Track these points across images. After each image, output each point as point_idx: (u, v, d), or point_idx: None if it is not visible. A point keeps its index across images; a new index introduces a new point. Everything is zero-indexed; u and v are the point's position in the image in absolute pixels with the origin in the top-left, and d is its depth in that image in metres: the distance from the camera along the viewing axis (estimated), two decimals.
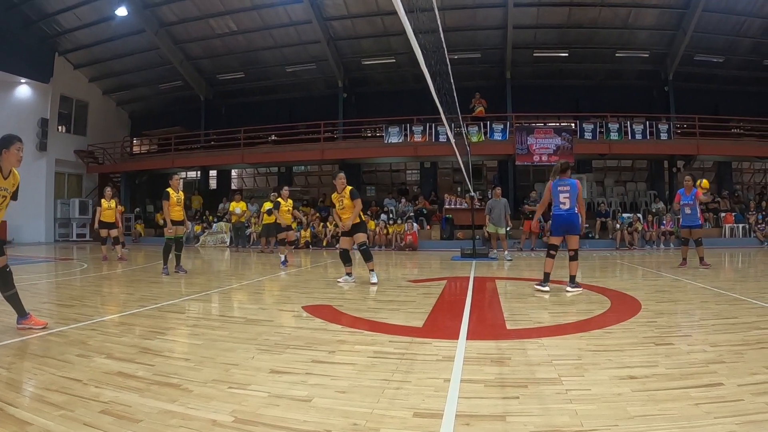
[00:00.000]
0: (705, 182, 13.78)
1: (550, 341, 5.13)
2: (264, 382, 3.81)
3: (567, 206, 8.78)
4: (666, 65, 27.64)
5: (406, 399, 3.43)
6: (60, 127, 30.78)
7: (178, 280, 10.95)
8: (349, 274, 10.26)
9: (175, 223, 12.09)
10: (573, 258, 8.75)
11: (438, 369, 4.15)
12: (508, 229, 17.02)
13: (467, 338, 5.20)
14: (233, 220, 23.71)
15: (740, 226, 23.17)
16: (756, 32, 25.54)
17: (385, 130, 26.48)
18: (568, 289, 8.53)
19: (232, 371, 4.11)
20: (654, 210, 23.87)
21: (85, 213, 29.66)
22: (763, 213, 23.47)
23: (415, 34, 5.95)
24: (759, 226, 22.79)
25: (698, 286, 9.18)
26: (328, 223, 23.88)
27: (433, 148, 25.52)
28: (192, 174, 34.26)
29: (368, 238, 11.28)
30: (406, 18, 5.25)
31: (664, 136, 25.06)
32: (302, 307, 7.23)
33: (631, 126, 25.16)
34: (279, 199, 14.70)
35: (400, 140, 26.08)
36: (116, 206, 16.82)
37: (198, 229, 26.55)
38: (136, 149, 35.61)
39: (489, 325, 6.28)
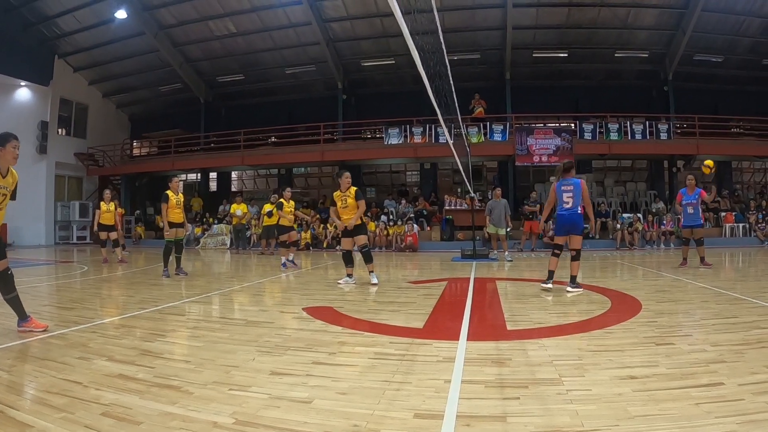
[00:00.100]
0: (710, 162, 13.74)
1: (551, 342, 5.13)
2: (264, 384, 3.80)
3: (570, 205, 8.82)
4: (665, 65, 27.65)
5: (407, 400, 3.43)
6: (60, 130, 30.80)
7: (179, 282, 10.95)
8: (349, 275, 10.27)
9: (174, 225, 12.08)
10: (574, 258, 8.76)
11: (438, 370, 4.15)
12: (508, 229, 17.02)
13: (468, 339, 5.19)
14: (234, 222, 23.72)
15: (740, 225, 23.18)
16: (755, 32, 25.55)
17: (384, 132, 26.51)
18: (569, 289, 8.54)
19: (233, 373, 4.11)
20: (654, 210, 23.88)
21: (86, 215, 29.63)
22: (764, 212, 23.48)
23: (412, 36, 5.95)
24: (759, 225, 22.80)
25: (699, 286, 9.18)
26: (328, 225, 23.87)
27: (433, 149, 25.53)
28: (192, 176, 34.26)
29: (368, 239, 11.24)
30: (402, 20, 5.25)
31: (663, 136, 25.08)
32: (303, 309, 7.23)
33: (630, 126, 25.18)
34: (282, 200, 14.67)
35: (400, 141, 26.10)
36: (116, 209, 16.81)
37: (198, 231, 26.55)
38: (136, 152, 35.59)
39: (489, 325, 6.28)
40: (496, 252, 17.10)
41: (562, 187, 8.94)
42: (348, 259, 10.37)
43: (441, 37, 12.74)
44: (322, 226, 24.24)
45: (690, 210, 12.88)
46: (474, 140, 24.93)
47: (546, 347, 4.88)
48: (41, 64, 28.33)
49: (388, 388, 3.67)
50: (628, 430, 2.89)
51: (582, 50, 27.71)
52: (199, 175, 33.09)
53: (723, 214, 23.60)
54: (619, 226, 22.16)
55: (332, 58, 28.64)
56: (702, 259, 12.63)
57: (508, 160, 26.48)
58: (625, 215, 23.22)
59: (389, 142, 26.24)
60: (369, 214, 23.61)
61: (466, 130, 24.41)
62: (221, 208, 28.49)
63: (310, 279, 11.79)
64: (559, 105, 28.19)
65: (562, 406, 3.28)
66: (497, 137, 25.57)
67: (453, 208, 24.07)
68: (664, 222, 22.56)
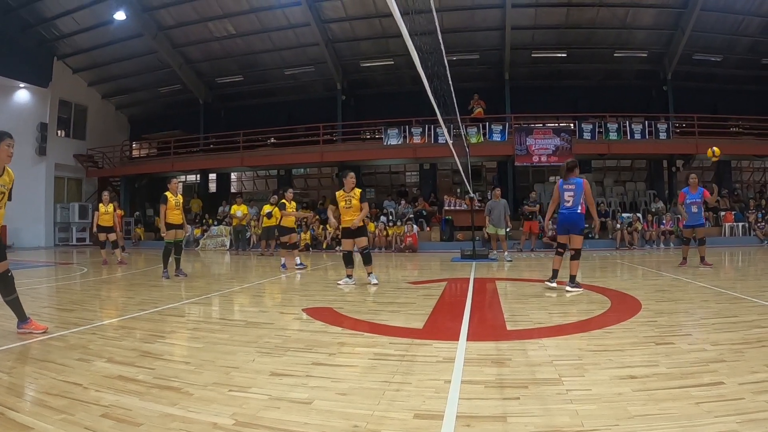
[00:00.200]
0: (716, 149, 13.73)
1: (551, 341, 5.13)
2: (264, 385, 3.81)
3: (570, 204, 8.90)
4: (664, 65, 27.66)
5: (407, 400, 3.43)
6: (59, 132, 30.79)
7: (178, 283, 10.95)
8: (349, 276, 10.26)
9: (173, 226, 12.07)
10: (574, 257, 8.80)
11: (438, 370, 4.15)
12: (507, 230, 17.02)
13: (467, 339, 5.19)
14: (234, 223, 23.71)
15: (740, 224, 23.20)
16: (754, 31, 25.57)
17: (384, 132, 26.50)
18: (568, 288, 8.58)
19: (233, 374, 4.11)
20: (653, 209, 23.89)
21: (85, 217, 29.61)
22: (763, 211, 23.50)
23: (411, 36, 5.95)
24: (759, 224, 22.81)
25: (698, 285, 9.19)
26: (327, 226, 23.87)
27: (433, 149, 25.53)
28: (192, 177, 34.23)
29: (368, 240, 11.24)
30: (401, 20, 5.25)
31: (663, 135, 25.07)
32: (302, 310, 7.23)
33: (630, 126, 25.17)
34: (284, 201, 14.64)
35: (399, 142, 26.10)
36: (114, 210, 16.77)
37: (198, 232, 26.54)
38: (135, 153, 35.51)
39: (489, 326, 6.28)
40: (495, 252, 17.10)
41: (564, 186, 9.02)
42: (348, 260, 10.37)
43: (440, 38, 12.74)
44: (321, 227, 24.23)
45: (694, 209, 12.83)
46: (473, 140, 24.94)
47: (546, 347, 4.89)
48: (40, 65, 28.32)
49: (388, 389, 3.67)
50: (628, 429, 2.90)
51: (581, 50, 27.72)
52: (198, 176, 33.07)
53: (722, 213, 23.60)
54: (618, 225, 22.17)
55: (331, 58, 28.64)
56: (702, 259, 12.64)
57: (508, 160, 26.48)
58: (625, 215, 23.23)
59: (388, 143, 26.24)
60: (369, 215, 23.58)
61: (466, 130, 24.41)
62: (221, 209, 28.50)
63: (310, 280, 11.79)
64: (558, 105, 28.14)
65: (562, 406, 3.28)
66: (496, 137, 25.56)
67: (452, 208, 24.05)
68: (664, 222, 22.57)
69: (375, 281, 10.07)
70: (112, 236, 16.42)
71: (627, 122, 25.30)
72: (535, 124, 26.58)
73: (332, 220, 10.62)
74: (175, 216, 12.15)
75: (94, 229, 16.83)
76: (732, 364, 4.08)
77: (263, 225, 19.87)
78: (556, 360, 4.39)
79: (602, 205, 24.47)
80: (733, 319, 6.01)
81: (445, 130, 11.84)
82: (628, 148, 25.73)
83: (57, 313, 7.24)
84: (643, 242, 22.19)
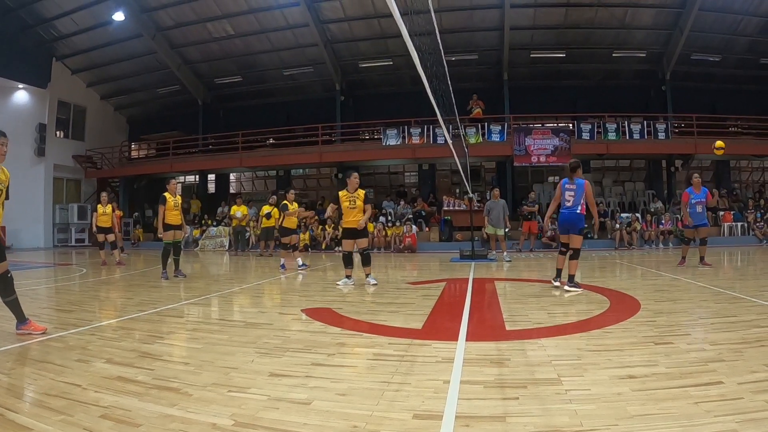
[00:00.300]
0: (721, 143, 13.72)
1: (550, 342, 5.14)
2: (263, 386, 3.81)
3: (570, 204, 9.01)
4: (663, 65, 27.65)
5: (406, 401, 3.44)
6: (58, 133, 30.76)
7: (178, 284, 10.95)
8: (348, 276, 10.26)
9: (170, 227, 12.08)
10: (572, 257, 8.88)
11: (437, 370, 4.16)
12: (506, 230, 17.02)
13: (467, 339, 5.20)
14: (234, 224, 23.70)
15: (739, 224, 23.20)
16: (752, 31, 25.58)
17: (383, 133, 26.46)
18: (567, 288, 8.63)
19: (232, 375, 4.11)
20: (652, 209, 23.90)
21: (84, 218, 29.58)
22: (762, 211, 23.51)
23: (411, 37, 5.95)
24: (757, 224, 22.82)
25: (697, 285, 9.20)
26: (326, 226, 23.87)
27: (431, 149, 25.52)
28: (190, 178, 34.20)
29: (368, 241, 11.23)
30: (401, 20, 5.25)
31: (661, 135, 25.06)
32: (302, 310, 7.24)
33: (628, 126, 25.15)
34: (285, 202, 14.60)
35: (398, 142, 26.07)
36: (113, 211, 16.74)
37: (197, 233, 26.52)
38: (134, 154, 35.42)
39: (488, 326, 6.28)
40: (494, 252, 17.10)
41: (567, 186, 9.13)
42: (348, 260, 10.36)
43: (438, 38, 12.75)
44: (320, 227, 24.23)
45: (699, 209, 12.78)
46: (472, 141, 24.93)
47: (545, 347, 4.89)
48: (39, 66, 28.32)
49: (388, 389, 3.68)
50: (627, 429, 2.90)
51: (580, 50, 27.72)
52: (197, 177, 33.01)
53: (721, 213, 23.60)
54: (617, 225, 22.16)
55: (330, 59, 28.62)
56: (702, 259, 12.64)
57: (507, 160, 26.46)
58: (624, 215, 23.24)
59: (387, 143, 26.21)
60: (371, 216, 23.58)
61: (464, 130, 24.41)
62: (219, 209, 28.48)
63: (309, 280, 11.79)
64: (557, 105, 28.12)
65: (561, 406, 3.28)
66: (495, 138, 25.54)
67: (451, 208, 24.02)
68: (663, 221, 22.58)
69: (374, 282, 10.07)
70: (111, 237, 16.39)
71: (626, 122, 25.28)
72: (533, 124, 26.57)
73: (330, 212, 10.58)
74: (174, 217, 12.16)
75: (94, 229, 16.80)
76: (731, 363, 4.09)
77: (262, 225, 19.86)
78: (555, 360, 4.40)
79: (601, 205, 24.45)
80: (732, 318, 6.02)
81: (445, 131, 11.85)
82: (627, 148, 25.72)
83: (56, 314, 7.24)
84: (642, 242, 22.19)
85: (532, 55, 28.44)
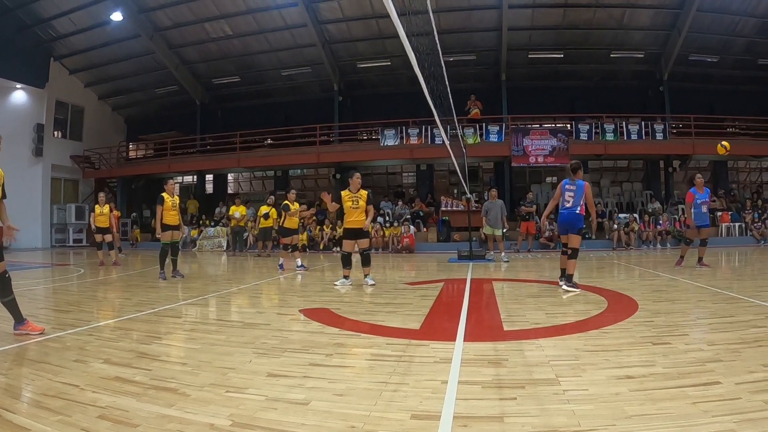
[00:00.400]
0: (726, 143, 13.78)
1: (547, 342, 5.14)
2: (261, 386, 3.81)
3: (570, 205, 9.12)
4: (661, 65, 27.66)
5: (404, 401, 3.44)
6: (56, 133, 30.67)
7: (175, 284, 10.94)
8: (346, 277, 10.25)
9: (168, 227, 12.07)
10: (570, 256, 8.95)
11: (435, 371, 4.16)
12: (504, 230, 17.02)
13: (464, 340, 5.20)
14: (233, 224, 23.66)
15: (736, 225, 23.21)
16: (750, 32, 25.60)
17: (380, 133, 26.45)
18: (565, 287, 8.74)
19: (230, 375, 4.11)
20: (650, 210, 23.90)
21: (82, 218, 29.50)
22: (759, 212, 23.52)
23: (408, 37, 5.95)
24: (755, 224, 22.84)
25: (695, 286, 9.21)
26: (324, 227, 23.87)
27: (429, 150, 25.52)
28: (188, 178, 34.20)
29: (369, 242, 11.21)
30: (398, 20, 5.25)
31: (659, 136, 25.08)
32: (299, 311, 7.24)
33: (626, 126, 25.16)
34: (287, 202, 14.56)
35: (396, 143, 26.06)
36: (111, 211, 16.71)
37: (194, 233, 26.50)
38: (132, 154, 35.36)
39: (486, 326, 6.29)
40: (492, 253, 17.13)
41: (567, 186, 9.22)
42: (347, 261, 10.35)
43: (437, 39, 12.75)
44: (318, 227, 24.22)
45: (704, 209, 12.78)
46: (470, 141, 24.93)
47: (543, 347, 4.90)
48: (37, 66, 28.26)
49: (385, 390, 3.68)
50: (625, 429, 2.90)
51: (577, 51, 27.73)
52: (195, 177, 33.02)
53: (719, 213, 23.61)
54: (615, 226, 22.16)
55: (328, 59, 28.60)
56: (700, 260, 12.63)
57: (504, 161, 26.43)
58: (622, 215, 23.23)
59: (385, 144, 26.20)
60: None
61: (462, 131, 24.42)
62: (217, 210, 28.45)
63: (307, 281, 11.79)
64: (555, 106, 28.14)
65: (559, 406, 3.28)
66: (493, 138, 25.55)
67: (449, 209, 24.05)
68: (660, 222, 22.59)
69: (372, 282, 10.07)
70: (108, 237, 16.37)
71: (624, 123, 25.28)
72: (531, 124, 26.55)
73: (329, 204, 10.56)
74: (172, 217, 12.15)
75: (93, 228, 16.74)
76: (729, 363, 4.09)
77: (260, 226, 19.83)
78: (553, 360, 4.40)
79: (599, 205, 24.48)
80: (729, 319, 6.03)
81: (442, 131, 11.87)
82: (625, 149, 25.73)
83: (54, 314, 7.24)
84: (639, 242, 22.19)
85: (530, 56, 28.44)
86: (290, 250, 14.68)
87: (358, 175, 10.50)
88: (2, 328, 5.76)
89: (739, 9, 24.38)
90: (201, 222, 27.75)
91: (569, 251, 9.06)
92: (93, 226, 16.56)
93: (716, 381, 3.64)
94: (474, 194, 23.29)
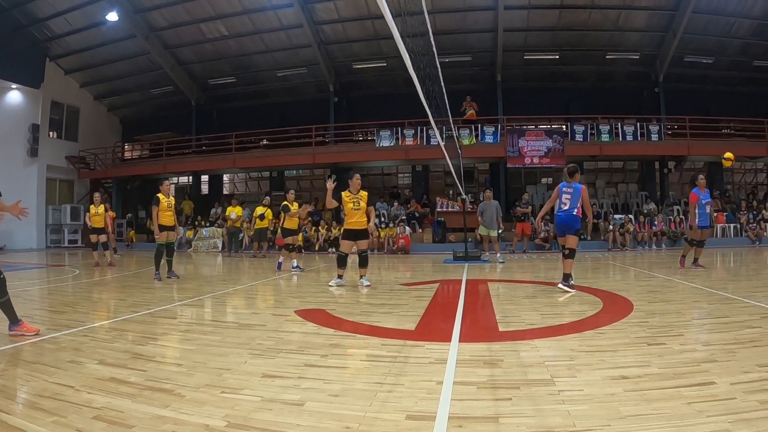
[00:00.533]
0: (729, 154, 13.86)
1: (543, 343, 5.15)
2: (256, 387, 3.80)
3: (567, 207, 9.22)
4: (656, 67, 27.72)
5: (399, 402, 3.44)
6: (51, 133, 30.61)
7: (171, 285, 10.93)
8: (340, 276, 10.25)
9: (164, 228, 12.05)
10: (567, 256, 9.06)
11: (430, 371, 4.15)
12: (499, 231, 17.04)
13: (460, 340, 5.20)
14: (228, 225, 23.61)
15: (732, 225, 23.29)
16: (745, 33, 25.69)
17: (376, 134, 26.46)
18: (560, 285, 8.84)
19: (225, 376, 4.11)
20: (645, 211, 23.93)
21: (77, 219, 29.44)
22: (754, 213, 23.58)
23: (403, 38, 5.95)
24: (750, 225, 22.90)
25: (690, 286, 9.22)
26: (320, 228, 23.86)
27: (425, 151, 25.53)
28: (184, 179, 34.17)
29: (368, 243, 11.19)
30: (392, 22, 5.25)
31: (654, 137, 25.13)
32: (295, 312, 7.22)
33: (622, 127, 25.21)
34: (286, 203, 14.53)
35: (392, 144, 26.07)
36: (106, 212, 16.67)
37: (190, 234, 26.45)
38: (127, 155, 35.35)
39: (481, 327, 6.29)
40: (487, 254, 17.14)
41: (564, 189, 9.32)
42: (343, 261, 10.36)
43: (432, 40, 12.75)
44: (314, 228, 24.20)
45: (708, 209, 12.81)
46: (465, 142, 24.94)
47: (538, 348, 4.90)
48: (32, 66, 28.19)
49: (380, 390, 3.68)
50: (620, 429, 2.90)
51: (573, 52, 27.79)
52: (190, 178, 33.01)
53: (714, 214, 23.65)
54: (610, 227, 22.19)
55: (324, 60, 28.62)
56: (696, 260, 12.65)
57: (500, 162, 26.47)
58: (617, 216, 23.27)
59: (381, 145, 26.21)
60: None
61: (458, 132, 24.43)
62: (213, 210, 28.42)
63: (302, 282, 11.79)
64: (551, 107, 28.19)
65: (554, 407, 3.29)
66: (488, 139, 25.58)
67: (445, 210, 24.07)
68: (656, 223, 22.63)
69: (367, 283, 10.06)
70: (103, 238, 16.34)
71: (619, 124, 25.34)
72: (527, 125, 26.53)
73: (329, 194, 10.52)
74: (168, 218, 12.14)
75: (89, 225, 16.67)
76: (724, 364, 4.10)
77: (255, 227, 19.80)
78: (548, 361, 4.41)
79: (594, 206, 24.49)
80: (724, 319, 6.04)
81: (437, 132, 11.85)
82: (620, 150, 25.79)
83: (49, 315, 7.22)
84: (635, 243, 22.23)
85: (525, 57, 28.50)
86: (291, 250, 14.67)
87: (358, 176, 10.51)
88: None
89: (734, 11, 24.45)
90: (196, 223, 27.71)
91: (566, 251, 9.16)
92: (89, 226, 16.55)
93: (711, 381, 3.65)
94: (469, 195, 23.30)
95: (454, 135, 21.74)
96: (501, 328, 5.92)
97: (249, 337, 5.57)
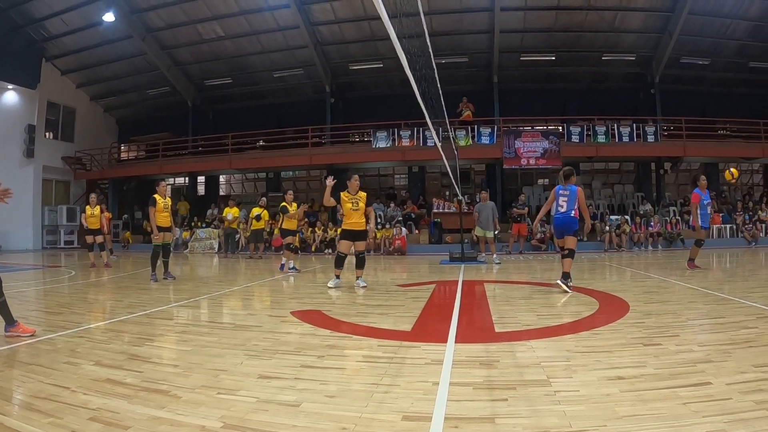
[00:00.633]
0: (734, 170, 13.95)
1: (539, 343, 5.15)
2: (253, 388, 3.80)
3: (564, 209, 9.36)
4: (652, 68, 27.73)
5: (395, 402, 3.44)
6: (47, 134, 30.57)
7: (167, 286, 10.92)
8: (338, 276, 10.24)
9: (161, 229, 12.04)
10: (567, 256, 9.22)
11: (427, 372, 4.16)
12: (496, 232, 17.05)
13: (456, 341, 5.20)
14: (225, 225, 23.59)
15: (727, 226, 23.34)
16: (741, 34, 25.73)
17: (372, 135, 26.43)
18: (559, 281, 8.97)
19: (221, 377, 4.10)
20: (641, 212, 23.97)
21: (73, 220, 29.44)
22: (750, 213, 23.64)
23: (400, 39, 5.95)
24: (746, 226, 22.96)
25: (686, 287, 9.24)
26: (316, 229, 23.85)
27: (421, 152, 25.51)
28: (180, 180, 34.10)
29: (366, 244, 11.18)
30: (389, 23, 5.25)
31: (650, 138, 25.15)
32: (291, 313, 7.22)
33: (618, 128, 25.23)
34: (284, 204, 14.51)
35: (388, 145, 26.05)
36: (102, 213, 16.65)
37: (186, 235, 26.42)
38: (123, 155, 35.23)
39: (478, 328, 6.29)
40: (484, 255, 17.15)
41: (560, 192, 9.47)
42: (341, 262, 10.35)
43: (428, 41, 12.75)
44: (310, 229, 24.19)
45: (709, 210, 12.86)
46: (462, 143, 24.96)
47: (534, 349, 4.90)
48: (28, 67, 28.16)
49: (377, 391, 3.68)
50: (616, 430, 2.91)
51: (569, 53, 27.79)
52: (187, 179, 32.95)
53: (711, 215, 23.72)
54: (607, 228, 22.22)
55: (320, 61, 28.58)
56: (692, 261, 12.66)
57: (496, 163, 26.47)
58: (613, 217, 23.30)
59: (377, 146, 26.18)
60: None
61: (454, 133, 24.44)
62: (209, 211, 28.38)
63: (299, 283, 11.78)
64: (547, 108, 28.23)
65: (550, 407, 3.29)
66: (485, 140, 25.59)
67: (441, 211, 24.05)
68: (652, 224, 22.66)
69: (363, 284, 10.07)
70: (100, 238, 16.32)
71: (615, 125, 25.36)
72: (523, 127, 26.53)
73: (328, 187, 10.50)
74: (164, 218, 12.13)
75: (85, 228, 16.64)
76: (719, 364, 4.11)
77: (252, 228, 19.78)
78: (544, 361, 4.41)
79: (591, 207, 24.47)
80: (720, 320, 6.06)
81: (434, 133, 11.88)
82: (616, 151, 25.83)
83: (45, 316, 7.21)
84: (631, 244, 22.26)
85: (522, 58, 28.47)
86: (291, 250, 14.67)
87: (356, 177, 10.54)
88: None
89: (730, 12, 24.50)
90: (193, 224, 27.67)
91: (566, 252, 9.27)
92: (85, 227, 16.52)
93: (707, 381, 3.66)
94: (466, 196, 23.31)
95: (450, 136, 21.75)
96: (497, 329, 5.93)
97: (245, 338, 5.57)
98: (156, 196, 12.03)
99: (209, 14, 26.66)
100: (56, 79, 30.33)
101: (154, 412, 3.30)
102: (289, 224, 14.51)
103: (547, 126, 27.38)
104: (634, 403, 3.29)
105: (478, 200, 19.14)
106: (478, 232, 17.14)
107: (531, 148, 24.66)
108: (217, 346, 5.20)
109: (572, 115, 26.93)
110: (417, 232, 24.47)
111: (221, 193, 34.29)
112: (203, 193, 33.81)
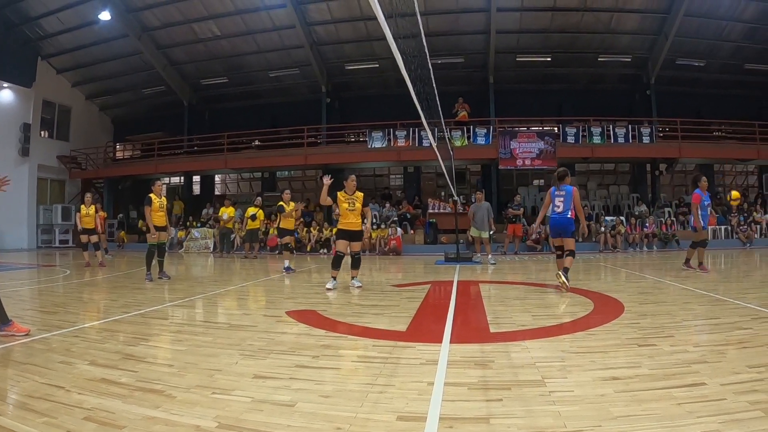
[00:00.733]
0: (736, 193, 14.10)
1: (534, 344, 5.15)
2: (248, 388, 3.80)
3: (560, 210, 9.46)
4: (648, 69, 27.79)
5: (390, 403, 3.44)
6: (42, 133, 30.49)
7: (162, 286, 10.90)
8: (334, 278, 10.22)
9: (157, 228, 12.02)
10: (568, 255, 9.34)
11: (421, 372, 4.16)
12: (491, 232, 17.05)
13: (451, 342, 5.20)
14: (221, 224, 23.55)
15: (722, 227, 23.38)
16: (737, 36, 25.80)
17: (368, 135, 26.43)
18: (559, 273, 9.06)
19: (216, 377, 4.10)
20: (637, 213, 24.00)
21: (68, 219, 29.39)
22: (745, 215, 23.68)
23: (396, 40, 5.95)
24: (741, 227, 23.00)
25: (681, 288, 9.25)
26: (311, 228, 23.83)
27: (417, 152, 25.50)
28: (175, 179, 34.07)
29: (361, 245, 11.18)
30: (385, 23, 5.25)
31: (646, 139, 25.20)
32: (286, 312, 7.21)
33: (613, 130, 25.27)
34: (281, 203, 14.48)
35: (384, 145, 26.05)
36: (96, 212, 16.61)
37: (181, 234, 26.38)
38: (119, 155, 35.19)
39: (473, 328, 6.30)
40: (479, 255, 17.16)
41: (556, 193, 9.58)
42: (338, 262, 10.31)
43: (424, 41, 12.75)
44: (305, 229, 24.17)
45: (709, 211, 12.90)
46: (457, 144, 24.95)
47: (529, 349, 4.91)
48: (24, 65, 28.07)
49: (372, 391, 3.68)
50: (611, 430, 2.92)
51: (565, 54, 27.83)
52: (182, 178, 32.96)
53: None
54: (602, 228, 22.24)
55: (316, 61, 28.57)
56: (687, 261, 12.67)
57: (492, 163, 26.47)
58: (608, 218, 23.32)
59: (373, 146, 26.18)
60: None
61: (450, 133, 24.44)
62: (204, 211, 28.34)
63: (294, 282, 11.77)
64: (543, 109, 28.25)
65: (545, 408, 3.30)
66: (481, 141, 25.61)
67: (436, 211, 24.09)
68: (647, 225, 22.69)
69: (358, 284, 10.08)
70: (94, 238, 16.29)
71: (611, 126, 25.39)
72: (519, 127, 26.56)
73: (326, 186, 10.49)
74: (159, 218, 12.11)
75: (80, 228, 16.61)
76: (714, 365, 4.12)
77: (247, 227, 19.75)
78: (539, 362, 4.42)
79: (586, 208, 24.54)
80: (715, 320, 6.08)
81: (430, 134, 11.86)
82: (612, 152, 25.86)
83: (39, 315, 7.20)
84: (626, 245, 22.30)
85: (518, 59, 28.49)
86: (289, 250, 14.65)
87: (353, 177, 10.56)
88: None
89: (726, 14, 24.57)
90: (188, 223, 27.63)
91: (566, 252, 9.34)
92: (79, 227, 16.48)
93: (702, 382, 3.66)
94: (461, 197, 23.32)
95: (446, 136, 21.77)
96: (492, 329, 5.93)
97: (240, 338, 5.56)
98: (152, 195, 12.00)
99: (205, 13, 26.64)
100: (52, 77, 30.26)
101: (148, 412, 3.29)
102: (286, 223, 14.53)
103: (542, 127, 27.38)
104: (629, 404, 3.30)
105: (473, 201, 19.14)
106: (473, 232, 17.15)
107: (526, 148, 24.68)
108: (212, 346, 5.20)
109: (568, 116, 26.96)
110: (412, 232, 24.48)
111: (216, 192, 34.24)
112: (198, 193, 33.75)
